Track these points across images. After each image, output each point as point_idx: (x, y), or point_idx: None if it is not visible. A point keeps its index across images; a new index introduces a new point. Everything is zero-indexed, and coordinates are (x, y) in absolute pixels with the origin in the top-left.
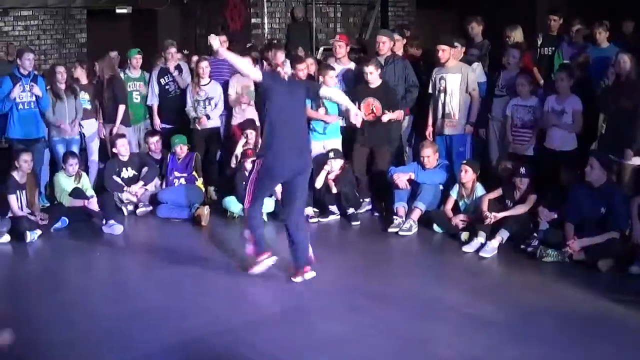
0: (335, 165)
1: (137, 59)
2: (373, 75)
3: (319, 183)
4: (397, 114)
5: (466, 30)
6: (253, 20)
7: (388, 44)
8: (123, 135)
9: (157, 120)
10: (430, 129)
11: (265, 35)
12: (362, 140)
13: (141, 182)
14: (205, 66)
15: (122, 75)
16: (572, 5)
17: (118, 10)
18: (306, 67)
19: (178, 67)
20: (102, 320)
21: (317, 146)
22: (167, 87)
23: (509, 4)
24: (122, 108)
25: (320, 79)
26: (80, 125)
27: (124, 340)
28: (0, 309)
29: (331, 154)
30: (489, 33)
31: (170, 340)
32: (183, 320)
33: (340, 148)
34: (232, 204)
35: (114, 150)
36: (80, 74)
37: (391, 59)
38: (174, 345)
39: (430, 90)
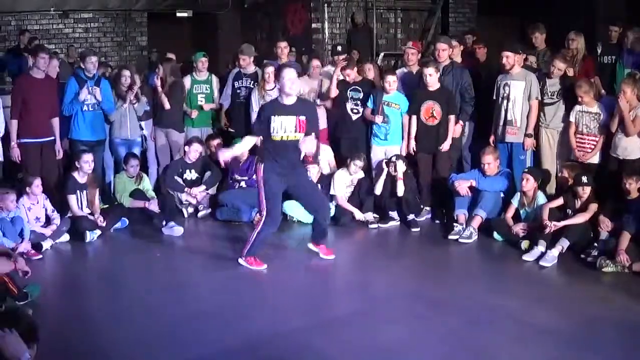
0: (400, 170)
1: (202, 61)
2: (432, 78)
3: (378, 189)
4: (449, 142)
5: (529, 38)
6: (313, 25)
7: (447, 52)
8: (199, 141)
9: (224, 120)
10: (492, 136)
11: (326, 41)
12: (424, 147)
13: (203, 186)
14: (271, 71)
15: (189, 78)
16: (630, 11)
17: (179, 14)
18: (354, 71)
19: (254, 75)
20: (163, 321)
21: (379, 152)
22: (238, 91)
23: (569, 11)
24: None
25: (386, 85)
26: (141, 127)
27: (185, 341)
28: (60, 308)
29: (393, 158)
30: (548, 40)
31: (231, 342)
32: (244, 322)
33: (403, 153)
34: (292, 208)
35: (186, 149)
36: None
37: (450, 68)
38: (235, 347)
39: (494, 97)
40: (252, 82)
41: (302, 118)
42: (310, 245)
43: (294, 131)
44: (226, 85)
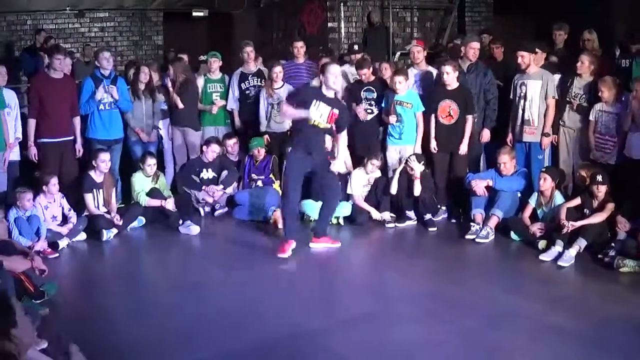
0: (417, 169)
1: (210, 62)
2: (450, 76)
3: (393, 188)
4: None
5: (552, 35)
6: (330, 25)
7: (477, 51)
8: (217, 141)
9: (238, 121)
10: (510, 136)
11: (342, 40)
12: (440, 147)
13: (220, 186)
14: (278, 71)
15: (202, 77)
16: None
17: (195, 13)
18: (370, 72)
19: (259, 72)
20: (178, 320)
21: (393, 151)
22: (247, 91)
23: (586, 11)
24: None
25: (394, 85)
26: (157, 127)
27: (201, 340)
28: (76, 306)
29: (412, 157)
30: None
31: (246, 342)
32: (259, 321)
33: (419, 152)
34: (309, 207)
35: (203, 148)
36: (154, 75)
37: (474, 67)
38: (251, 347)
39: (510, 96)
40: (259, 79)
41: (336, 111)
42: (313, 244)
43: (326, 120)
44: (230, 89)
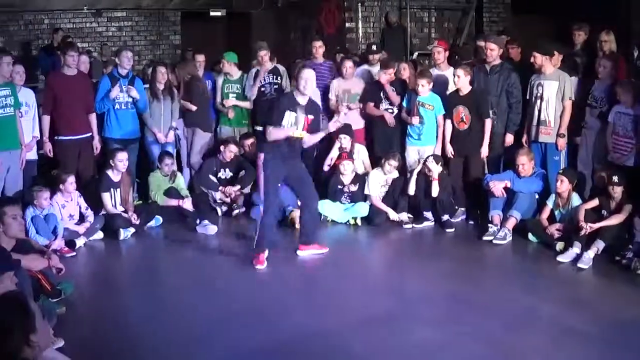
0: (434, 170)
1: (222, 62)
2: (461, 80)
3: (411, 189)
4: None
5: (570, 37)
6: (347, 25)
7: (496, 52)
8: (235, 142)
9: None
10: (525, 137)
11: (360, 40)
12: (456, 151)
13: (238, 186)
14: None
15: (222, 77)
16: None
17: (212, 13)
18: (394, 72)
19: (275, 70)
20: (195, 320)
21: (412, 152)
22: (262, 88)
23: (605, 11)
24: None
25: (418, 88)
26: (175, 127)
27: (218, 340)
28: (93, 305)
29: (431, 158)
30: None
31: (264, 342)
32: (278, 321)
33: (438, 153)
34: (326, 208)
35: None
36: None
37: (498, 68)
38: (269, 347)
39: (527, 97)
40: (274, 76)
41: (310, 117)
42: (300, 252)
43: (301, 128)
44: (247, 84)
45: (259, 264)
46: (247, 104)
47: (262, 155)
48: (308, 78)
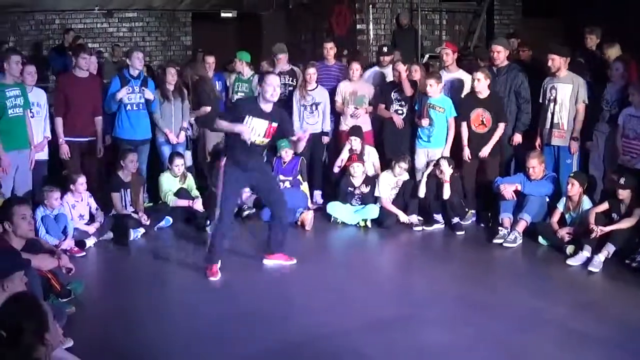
0: (446, 172)
1: (235, 62)
2: (481, 84)
3: (421, 191)
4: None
5: (584, 38)
6: (358, 26)
7: (503, 54)
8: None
9: None
10: (539, 139)
11: (371, 42)
12: (473, 154)
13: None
14: (312, 72)
15: (233, 76)
16: None
17: (223, 14)
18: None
19: (291, 72)
20: (204, 321)
21: (422, 154)
22: None
23: (616, 15)
24: (204, 110)
25: (428, 87)
26: (186, 128)
27: (225, 341)
28: (102, 305)
29: (443, 160)
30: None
31: (272, 343)
32: (285, 323)
33: (447, 155)
34: (336, 209)
35: None
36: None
37: (505, 69)
38: (277, 348)
39: (540, 100)
40: (290, 78)
41: (274, 125)
42: (266, 261)
43: (262, 135)
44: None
45: (213, 275)
46: None
47: (223, 160)
48: (275, 85)
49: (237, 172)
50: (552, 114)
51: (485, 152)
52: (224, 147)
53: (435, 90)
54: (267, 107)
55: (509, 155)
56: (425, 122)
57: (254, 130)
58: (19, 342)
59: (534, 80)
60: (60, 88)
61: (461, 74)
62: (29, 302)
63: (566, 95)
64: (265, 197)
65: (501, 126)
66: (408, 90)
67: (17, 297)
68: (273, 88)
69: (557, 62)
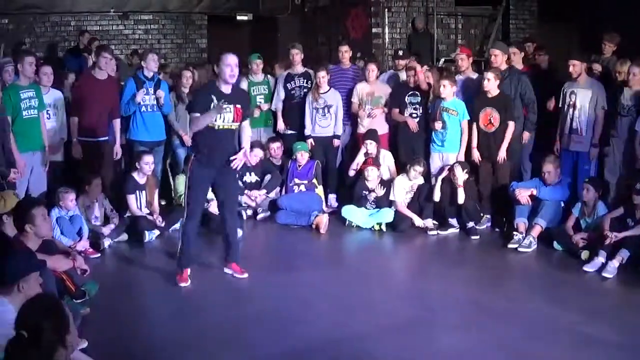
0: (460, 177)
1: (257, 63)
2: (490, 83)
3: (436, 195)
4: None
5: (601, 44)
6: (374, 30)
7: (501, 57)
8: (260, 145)
9: (281, 125)
10: (557, 144)
11: (386, 45)
12: (483, 155)
13: (264, 190)
14: (322, 75)
15: (246, 80)
16: None
17: (239, 17)
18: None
19: (306, 74)
20: (219, 323)
21: (436, 158)
22: (292, 92)
23: (632, 19)
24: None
25: (441, 88)
26: None
27: (239, 345)
28: (117, 306)
29: (457, 165)
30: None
31: (286, 347)
32: (301, 326)
33: (462, 160)
34: (351, 213)
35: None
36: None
37: (507, 73)
38: (291, 352)
39: (559, 105)
40: (305, 80)
41: (239, 106)
42: (226, 269)
43: (231, 120)
44: (276, 90)
45: (183, 281)
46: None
47: (192, 158)
48: (232, 64)
49: (203, 171)
50: (571, 120)
51: (501, 156)
52: (191, 146)
53: (448, 92)
54: (227, 89)
55: (518, 158)
56: (438, 125)
57: (223, 117)
58: (40, 343)
59: (550, 85)
60: (78, 88)
61: (474, 76)
62: (51, 304)
63: (586, 101)
64: (219, 198)
65: (511, 125)
66: (424, 84)
67: (36, 298)
68: (231, 68)
69: (578, 67)
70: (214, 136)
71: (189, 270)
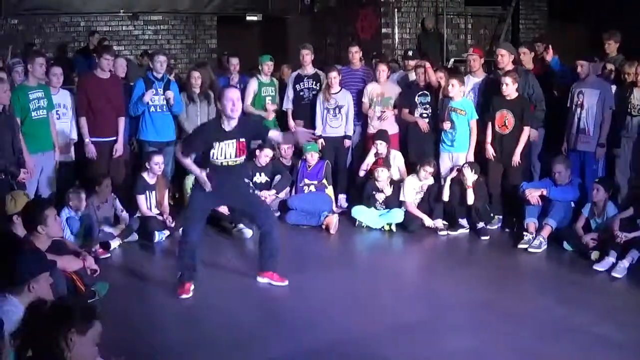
0: (469, 178)
1: (268, 65)
2: (509, 87)
3: (445, 195)
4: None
5: (603, 45)
6: (384, 30)
7: (507, 57)
8: (271, 145)
9: (292, 124)
10: (565, 144)
11: (396, 46)
12: (497, 156)
13: (273, 190)
14: (334, 76)
15: (256, 81)
16: None
17: (248, 18)
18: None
19: (315, 75)
20: (228, 324)
21: (446, 158)
22: (301, 93)
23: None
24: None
25: (449, 87)
26: None
27: (248, 346)
28: (127, 306)
29: (466, 165)
30: (621, 47)
31: (295, 348)
32: (311, 328)
33: (472, 161)
34: (361, 213)
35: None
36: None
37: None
38: (299, 353)
39: (567, 104)
40: (314, 82)
41: (242, 140)
42: (259, 278)
43: (234, 156)
44: (287, 89)
45: (184, 293)
46: (275, 106)
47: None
48: (234, 99)
49: (205, 197)
50: (579, 120)
51: (515, 160)
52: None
53: (456, 92)
54: (231, 125)
55: (529, 159)
56: (446, 125)
57: (224, 154)
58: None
59: (560, 86)
60: (81, 88)
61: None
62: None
63: (593, 101)
64: (246, 213)
65: (526, 130)
66: (434, 81)
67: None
68: (232, 102)
69: (585, 67)
70: (219, 172)
71: (190, 283)
